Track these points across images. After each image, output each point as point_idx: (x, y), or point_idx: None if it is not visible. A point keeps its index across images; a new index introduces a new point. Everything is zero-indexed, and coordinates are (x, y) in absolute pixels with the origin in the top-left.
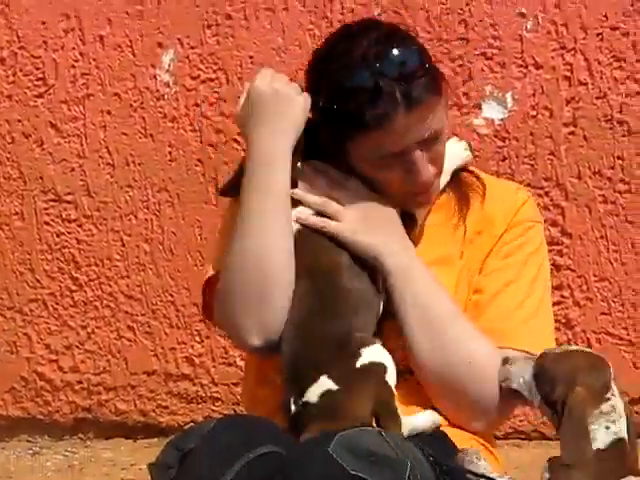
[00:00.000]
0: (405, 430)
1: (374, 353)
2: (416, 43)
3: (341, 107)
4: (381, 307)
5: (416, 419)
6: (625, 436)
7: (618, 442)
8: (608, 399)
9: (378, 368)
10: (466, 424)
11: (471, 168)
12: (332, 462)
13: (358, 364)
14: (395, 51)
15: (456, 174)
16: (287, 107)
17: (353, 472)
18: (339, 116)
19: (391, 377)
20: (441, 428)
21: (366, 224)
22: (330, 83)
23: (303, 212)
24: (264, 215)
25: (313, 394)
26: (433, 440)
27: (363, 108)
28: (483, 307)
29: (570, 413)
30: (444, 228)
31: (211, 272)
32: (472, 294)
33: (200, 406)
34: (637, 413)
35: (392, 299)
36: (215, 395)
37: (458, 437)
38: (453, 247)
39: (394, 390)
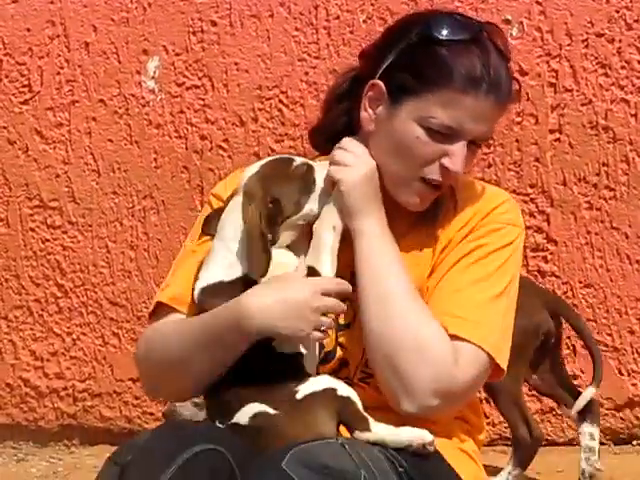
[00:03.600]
0: (381, 438)
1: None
2: None
3: (434, 56)
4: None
5: (400, 430)
6: None
7: None
8: None
9: (324, 393)
10: (395, 404)
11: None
12: (285, 478)
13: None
14: (497, 30)
15: None
16: None
17: None
18: (428, 66)
19: (344, 392)
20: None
21: (365, 180)
22: (427, 32)
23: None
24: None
25: (244, 416)
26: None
27: (460, 63)
28: (447, 295)
29: None
30: (412, 243)
31: (157, 299)
32: (432, 286)
33: None
34: (622, 419)
35: (356, 262)
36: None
37: (442, 447)
38: (424, 268)
39: (354, 398)
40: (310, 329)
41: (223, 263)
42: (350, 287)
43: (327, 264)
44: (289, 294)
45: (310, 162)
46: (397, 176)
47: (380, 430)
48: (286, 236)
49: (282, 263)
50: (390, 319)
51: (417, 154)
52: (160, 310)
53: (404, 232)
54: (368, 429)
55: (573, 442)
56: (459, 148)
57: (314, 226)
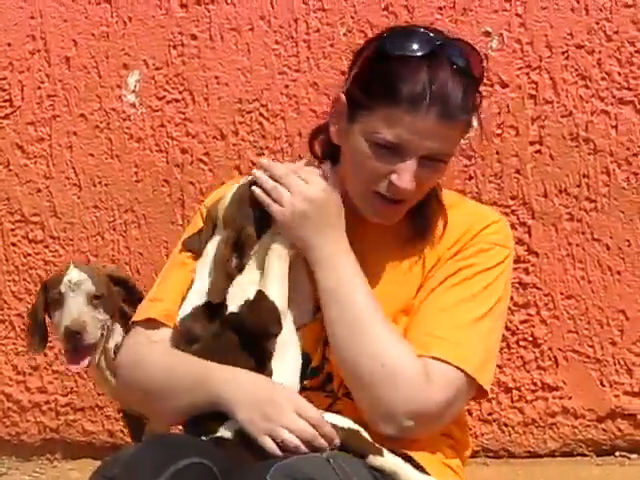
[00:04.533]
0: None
1: None
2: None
3: (383, 72)
4: None
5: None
6: None
7: None
8: None
9: None
10: (375, 426)
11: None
12: None
13: None
14: (462, 46)
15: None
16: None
17: None
18: (378, 83)
19: (343, 423)
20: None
21: (303, 216)
22: (381, 47)
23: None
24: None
25: (228, 429)
26: None
27: (405, 80)
28: (413, 320)
29: None
30: (401, 261)
31: (148, 315)
32: (418, 303)
33: None
34: (604, 431)
35: (318, 292)
36: None
37: (426, 461)
38: (412, 287)
39: (355, 427)
40: (264, 435)
41: (200, 288)
42: (331, 434)
43: (274, 289)
44: (266, 394)
45: None
46: (355, 190)
47: (392, 458)
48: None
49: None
50: (358, 346)
51: (367, 170)
52: (150, 323)
53: (394, 249)
54: (381, 454)
55: (555, 454)
56: (407, 165)
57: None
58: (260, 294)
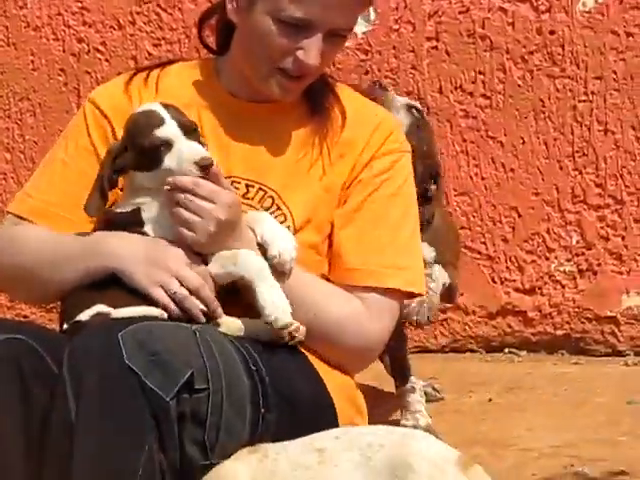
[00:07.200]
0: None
1: None
2: None
3: None
4: None
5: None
6: None
7: None
8: None
9: None
10: (346, 371)
11: (335, 85)
12: (115, 348)
13: None
14: None
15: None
16: None
17: (128, 363)
18: None
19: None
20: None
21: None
22: None
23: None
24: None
25: (85, 314)
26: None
27: None
28: (353, 243)
29: None
30: (302, 148)
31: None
32: (338, 229)
33: None
34: (494, 327)
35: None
36: None
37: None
38: (314, 169)
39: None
40: (155, 286)
41: None
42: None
43: None
44: (153, 246)
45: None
46: (256, 70)
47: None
48: (142, 199)
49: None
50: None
51: (272, 47)
52: (16, 220)
53: (295, 134)
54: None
55: (445, 349)
56: (313, 41)
57: None
58: None
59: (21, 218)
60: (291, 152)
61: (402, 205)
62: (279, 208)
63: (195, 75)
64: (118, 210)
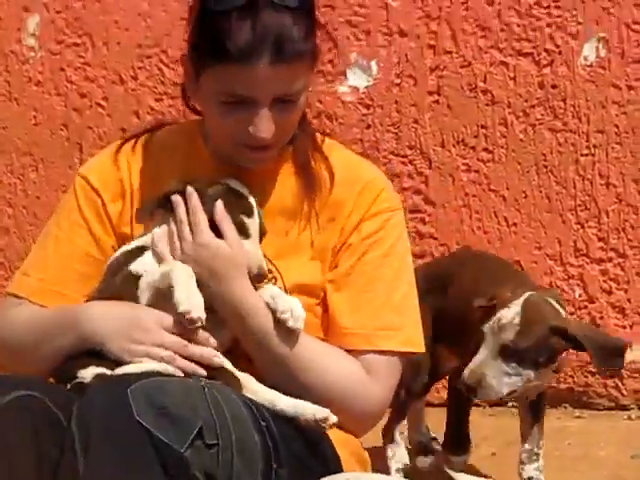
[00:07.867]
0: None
1: None
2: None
3: (209, 29)
4: None
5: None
6: None
7: None
8: None
9: None
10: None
11: (323, 142)
12: (124, 402)
13: None
14: None
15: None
16: None
17: (137, 418)
18: (206, 41)
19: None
20: None
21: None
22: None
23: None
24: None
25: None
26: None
27: (230, 36)
28: (347, 307)
29: None
30: (291, 215)
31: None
32: (331, 293)
33: None
34: None
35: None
36: None
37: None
38: (303, 236)
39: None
40: (132, 357)
41: None
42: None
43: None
44: (132, 319)
45: None
46: (222, 144)
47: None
48: None
49: None
50: (293, 381)
51: (224, 127)
52: (15, 301)
53: (279, 193)
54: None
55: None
56: (260, 115)
57: None
58: None
59: (20, 298)
60: (280, 221)
61: (395, 264)
62: (270, 271)
63: (182, 141)
64: None
